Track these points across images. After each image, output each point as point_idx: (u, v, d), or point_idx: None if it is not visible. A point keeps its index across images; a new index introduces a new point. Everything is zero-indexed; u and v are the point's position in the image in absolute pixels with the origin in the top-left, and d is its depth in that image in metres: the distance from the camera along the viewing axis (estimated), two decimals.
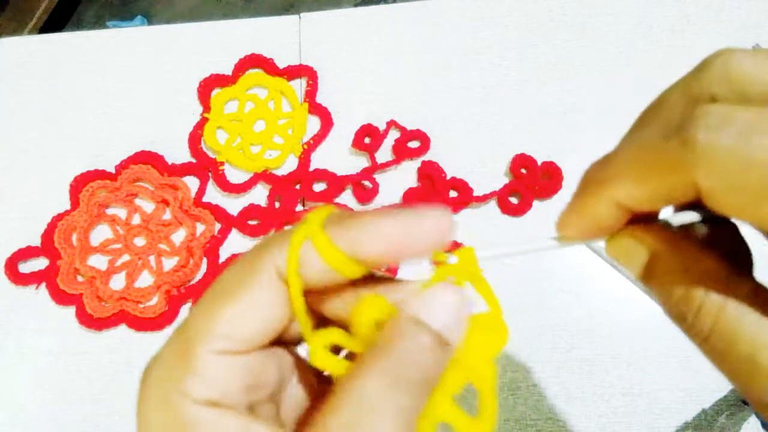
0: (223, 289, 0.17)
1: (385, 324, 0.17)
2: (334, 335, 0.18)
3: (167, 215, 0.48)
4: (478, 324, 0.18)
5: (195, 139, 0.50)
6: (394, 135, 0.49)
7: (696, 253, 0.18)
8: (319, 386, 0.21)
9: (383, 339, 0.16)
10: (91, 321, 0.45)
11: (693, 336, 0.17)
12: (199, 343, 0.17)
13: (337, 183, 0.48)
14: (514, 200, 0.47)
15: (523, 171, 0.47)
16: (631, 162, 0.17)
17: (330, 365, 0.17)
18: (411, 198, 0.47)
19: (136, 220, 0.48)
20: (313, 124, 0.50)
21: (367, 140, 0.49)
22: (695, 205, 0.18)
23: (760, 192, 0.14)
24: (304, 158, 0.49)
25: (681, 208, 0.19)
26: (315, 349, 0.17)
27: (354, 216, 0.17)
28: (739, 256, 0.19)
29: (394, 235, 0.17)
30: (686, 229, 0.19)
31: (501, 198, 0.47)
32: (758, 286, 0.17)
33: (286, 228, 0.18)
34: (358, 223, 0.17)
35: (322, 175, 0.48)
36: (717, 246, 0.18)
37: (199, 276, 0.47)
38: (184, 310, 0.46)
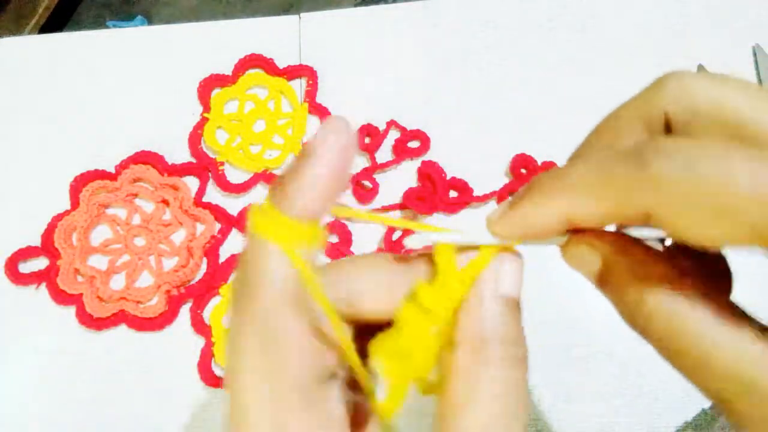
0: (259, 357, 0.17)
1: (466, 303, 0.18)
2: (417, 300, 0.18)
3: (167, 215, 0.48)
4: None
5: (195, 139, 0.50)
6: (394, 135, 0.49)
7: (646, 258, 0.18)
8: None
9: (482, 324, 0.18)
10: (91, 321, 0.45)
11: (648, 339, 0.18)
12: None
13: None
14: None
15: (523, 171, 0.47)
16: (585, 178, 0.17)
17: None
18: (411, 198, 0.47)
19: (136, 220, 0.48)
20: (313, 124, 0.50)
21: (367, 140, 0.49)
22: None
23: (703, 215, 0.15)
24: None
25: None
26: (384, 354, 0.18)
27: (278, 187, 0.17)
28: (717, 276, 0.19)
29: (313, 170, 0.17)
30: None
31: (501, 198, 0.47)
32: (709, 291, 0.17)
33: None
34: (288, 186, 0.17)
35: None
36: (697, 267, 0.18)
37: (199, 276, 0.47)
38: (184, 310, 0.46)
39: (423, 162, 0.48)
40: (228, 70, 0.52)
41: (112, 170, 0.49)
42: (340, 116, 0.18)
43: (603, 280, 0.19)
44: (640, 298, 0.17)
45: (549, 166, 0.46)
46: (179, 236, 0.48)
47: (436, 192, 0.47)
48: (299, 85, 0.52)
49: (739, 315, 0.16)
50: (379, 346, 0.18)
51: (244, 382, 0.17)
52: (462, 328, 0.18)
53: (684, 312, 0.17)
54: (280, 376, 0.17)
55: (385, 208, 0.47)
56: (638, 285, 0.17)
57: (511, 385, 0.17)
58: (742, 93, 0.16)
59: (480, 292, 0.18)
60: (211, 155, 0.50)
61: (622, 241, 0.18)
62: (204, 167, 0.49)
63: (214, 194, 0.49)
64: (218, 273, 0.46)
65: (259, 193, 0.49)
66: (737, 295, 0.18)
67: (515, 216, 0.19)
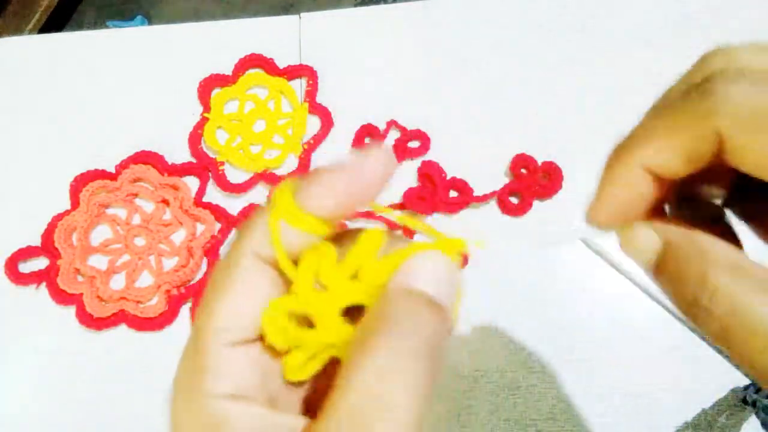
0: (215, 286, 0.18)
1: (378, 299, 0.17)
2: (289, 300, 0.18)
3: (167, 215, 0.48)
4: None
5: (195, 139, 0.50)
6: (394, 135, 0.49)
7: (710, 237, 0.18)
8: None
9: (380, 316, 0.17)
10: (91, 321, 0.45)
11: (707, 322, 0.17)
12: (208, 340, 0.17)
13: None
14: (514, 200, 0.47)
15: (523, 171, 0.47)
16: (655, 122, 0.18)
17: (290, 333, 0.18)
18: (411, 198, 0.47)
19: (136, 220, 0.48)
20: (313, 124, 0.50)
21: (367, 140, 0.49)
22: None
23: None
24: (304, 158, 0.49)
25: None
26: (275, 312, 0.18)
27: (309, 178, 0.18)
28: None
29: (342, 183, 0.18)
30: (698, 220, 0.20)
31: (501, 198, 0.47)
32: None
33: (258, 210, 0.20)
34: (314, 182, 0.18)
35: None
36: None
37: (199, 276, 0.47)
38: (184, 310, 0.46)
39: (423, 162, 0.48)
40: (228, 70, 0.52)
41: (112, 170, 0.49)
42: (389, 150, 0.18)
43: (662, 264, 0.19)
44: (705, 276, 0.17)
45: (549, 166, 0.46)
46: (179, 236, 0.48)
47: (436, 192, 0.47)
48: (299, 85, 0.52)
49: None
50: (270, 309, 0.18)
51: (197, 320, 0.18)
52: (365, 315, 0.17)
53: (754, 289, 0.17)
54: (214, 309, 0.18)
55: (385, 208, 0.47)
56: (703, 263, 0.18)
57: (387, 382, 0.15)
58: None
59: (390, 284, 0.17)
60: (211, 155, 0.50)
61: (683, 223, 0.19)
62: (204, 167, 0.49)
63: (214, 194, 0.49)
64: None
65: (260, 193, 0.49)
66: None
67: (602, 192, 0.19)
